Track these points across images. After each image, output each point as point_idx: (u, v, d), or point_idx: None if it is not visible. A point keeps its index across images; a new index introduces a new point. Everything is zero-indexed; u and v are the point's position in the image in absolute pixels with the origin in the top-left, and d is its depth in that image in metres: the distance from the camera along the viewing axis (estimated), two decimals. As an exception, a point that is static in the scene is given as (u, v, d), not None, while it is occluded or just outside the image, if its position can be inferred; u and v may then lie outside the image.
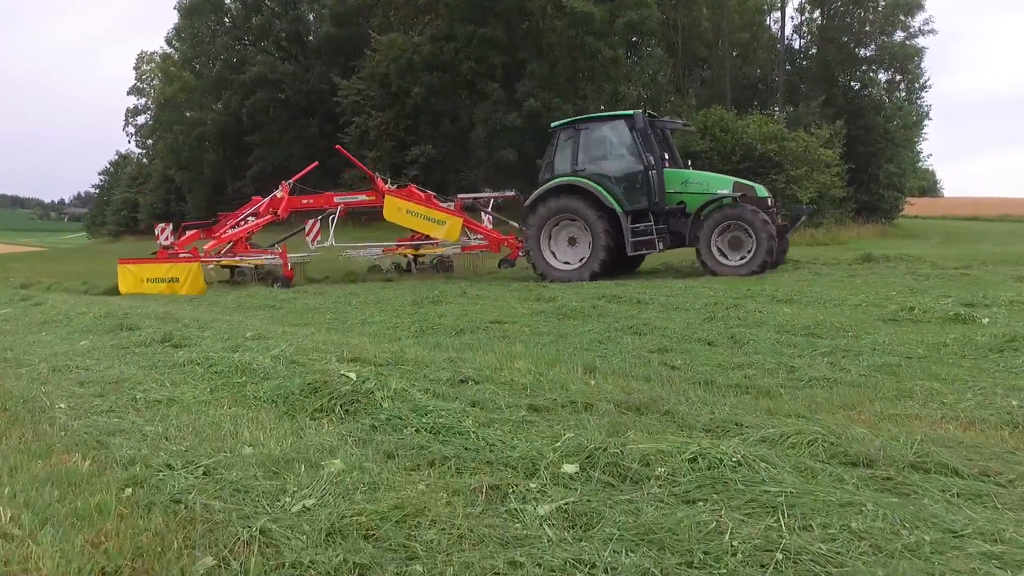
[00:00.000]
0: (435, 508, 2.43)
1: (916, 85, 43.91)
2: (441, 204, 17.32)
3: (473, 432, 3.03)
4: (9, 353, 6.50)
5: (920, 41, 42.08)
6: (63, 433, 3.50)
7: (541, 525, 2.35)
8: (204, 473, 2.85)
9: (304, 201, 18.71)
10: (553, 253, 14.88)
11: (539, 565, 2.10)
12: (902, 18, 42.20)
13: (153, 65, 63.14)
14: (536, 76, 30.15)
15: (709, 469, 2.72)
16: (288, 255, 16.94)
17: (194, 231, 18.24)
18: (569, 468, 2.75)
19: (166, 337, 6.36)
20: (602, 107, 32.10)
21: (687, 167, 15.71)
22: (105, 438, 3.33)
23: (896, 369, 5.20)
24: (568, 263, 14.72)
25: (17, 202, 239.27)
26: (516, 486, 2.61)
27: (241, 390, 3.98)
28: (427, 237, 18.20)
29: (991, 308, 8.12)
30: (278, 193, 18.41)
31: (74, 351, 6.07)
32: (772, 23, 47.84)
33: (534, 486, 2.63)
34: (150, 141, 65.20)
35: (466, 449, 2.91)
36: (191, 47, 52.33)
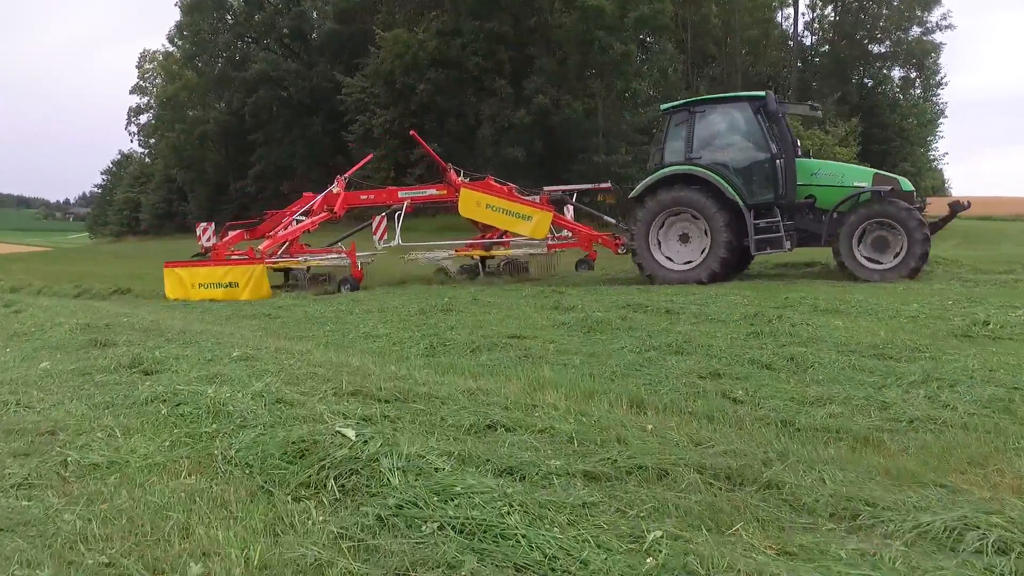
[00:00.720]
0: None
1: (932, 82, 42.93)
2: (524, 197, 15.67)
3: (521, 534, 2.13)
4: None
5: (937, 37, 41.11)
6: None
7: None
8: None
9: (363, 197, 17.02)
10: (662, 251, 13.26)
11: None
12: (918, 13, 41.23)
13: (155, 64, 62.37)
14: (545, 72, 29.24)
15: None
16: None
17: (237, 231, 16.49)
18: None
19: (135, 361, 5.47)
20: (609, 103, 31.19)
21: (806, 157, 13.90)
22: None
23: (1009, 405, 4.30)
24: (680, 263, 13.12)
25: (23, 202, 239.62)
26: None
27: (208, 446, 3.10)
28: (502, 235, 16.42)
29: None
30: (333, 188, 16.60)
31: (25, 378, 5.19)
32: (783, 19, 46.90)
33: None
34: (152, 140, 64.43)
35: (517, 571, 2.00)
36: (193, 44, 51.51)
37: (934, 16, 40.84)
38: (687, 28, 41.84)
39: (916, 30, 41.33)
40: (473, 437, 3.48)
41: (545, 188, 16.41)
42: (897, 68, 43.12)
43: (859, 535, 2.30)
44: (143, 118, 66.42)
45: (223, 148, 54.03)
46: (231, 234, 16.38)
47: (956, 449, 3.51)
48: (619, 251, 15.12)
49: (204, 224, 16.34)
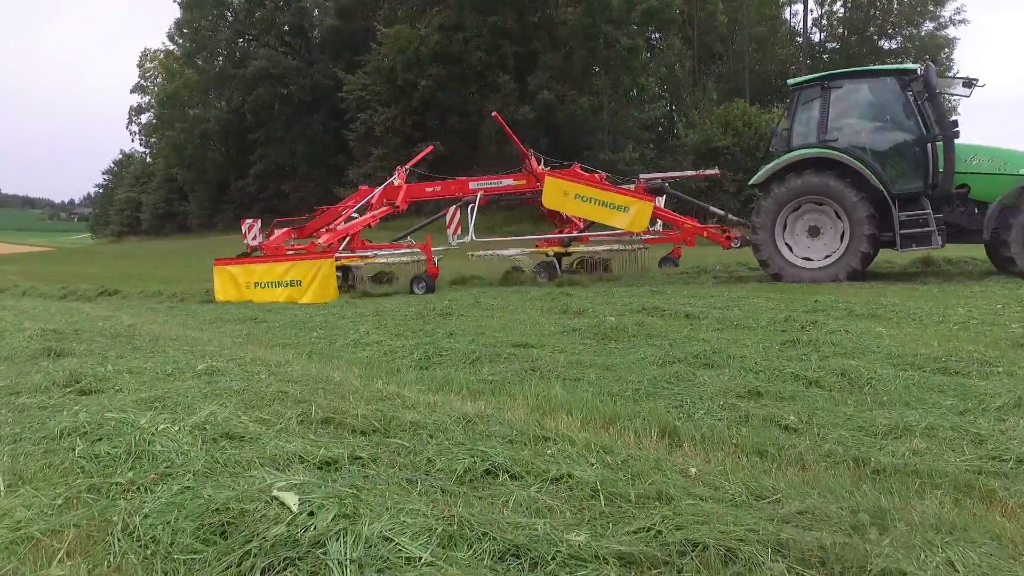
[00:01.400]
0: None
1: (945, 78, 41.95)
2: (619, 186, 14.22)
3: None
4: None
5: (950, 31, 40.23)
6: None
7: None
8: None
9: (428, 189, 15.73)
10: (788, 246, 11.87)
11: None
12: (931, 8, 40.35)
13: (156, 63, 61.70)
14: (550, 67, 28.41)
15: None
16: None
17: (285, 229, 15.12)
18: None
19: (73, 378, 4.67)
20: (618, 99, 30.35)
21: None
22: None
23: None
24: (810, 259, 11.74)
25: (27, 202, 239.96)
26: None
27: (109, 507, 2.30)
28: (584, 228, 15.21)
29: None
30: (395, 180, 15.38)
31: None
32: (790, 16, 46.08)
33: None
34: (153, 140, 63.79)
35: None
36: (192, 42, 50.81)
37: (947, 10, 39.99)
38: (694, 25, 41.03)
39: (929, 25, 40.44)
40: (468, 489, 2.67)
41: (641, 175, 14.91)
42: (909, 64, 42.15)
43: None
44: (144, 117, 65.88)
45: (224, 147, 53.35)
46: (278, 232, 14.96)
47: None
48: (732, 245, 13.76)
49: (250, 221, 14.97)
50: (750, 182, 12.68)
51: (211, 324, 10.17)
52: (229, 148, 52.32)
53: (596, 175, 14.34)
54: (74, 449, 2.96)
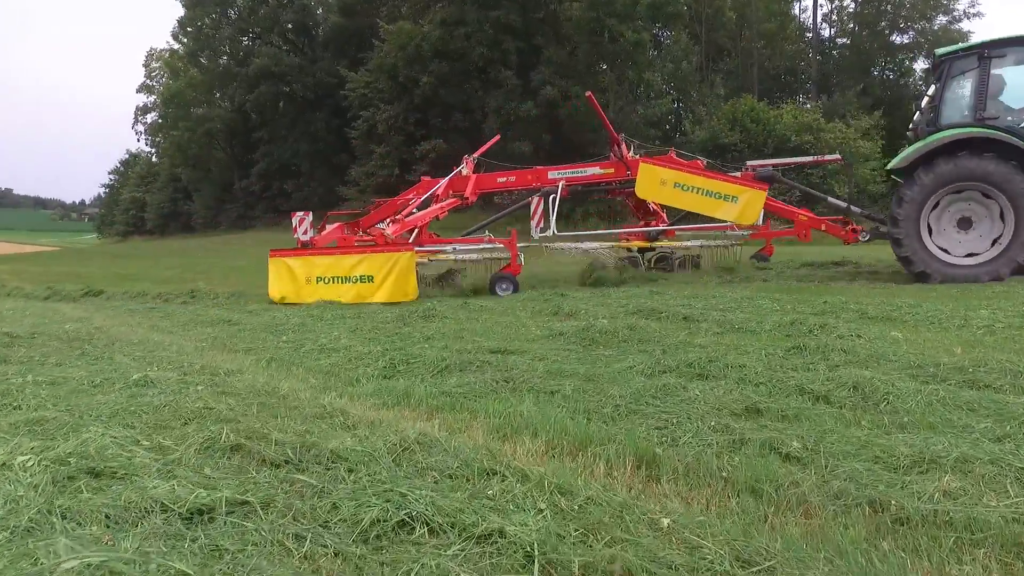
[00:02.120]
0: None
1: (959, 73, 41.02)
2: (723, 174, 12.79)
3: None
4: None
5: (964, 25, 39.37)
6: None
7: None
8: None
9: (501, 179, 14.19)
10: (933, 240, 10.60)
11: None
12: (944, 1, 39.47)
13: (161, 62, 61.38)
14: (553, 62, 27.76)
15: None
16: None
17: (337, 224, 13.79)
18: None
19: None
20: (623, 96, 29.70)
21: None
22: None
23: None
24: (960, 255, 10.51)
25: (40, 203, 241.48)
26: None
27: None
28: (679, 217, 14.05)
29: None
30: (463, 170, 14.06)
31: None
32: (800, 12, 45.31)
33: None
34: (158, 139, 63.50)
35: None
36: (195, 40, 50.40)
37: (962, 3, 39.08)
38: (701, 22, 40.32)
39: (942, 18, 39.54)
40: (368, 550, 2.07)
41: (748, 163, 13.26)
42: (921, 59, 41.34)
43: None
44: (150, 117, 65.60)
45: (228, 146, 52.97)
46: (330, 227, 13.43)
47: None
48: (859, 239, 12.21)
49: (301, 214, 13.42)
50: (888, 166, 11.26)
51: (183, 326, 9.60)
52: (233, 147, 51.88)
53: (697, 161, 13.01)
54: None
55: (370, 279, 11.07)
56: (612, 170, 13.30)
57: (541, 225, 12.69)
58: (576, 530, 2.26)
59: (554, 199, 12.65)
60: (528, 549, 2.04)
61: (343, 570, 1.87)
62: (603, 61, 29.37)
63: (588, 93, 13.39)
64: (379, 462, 2.93)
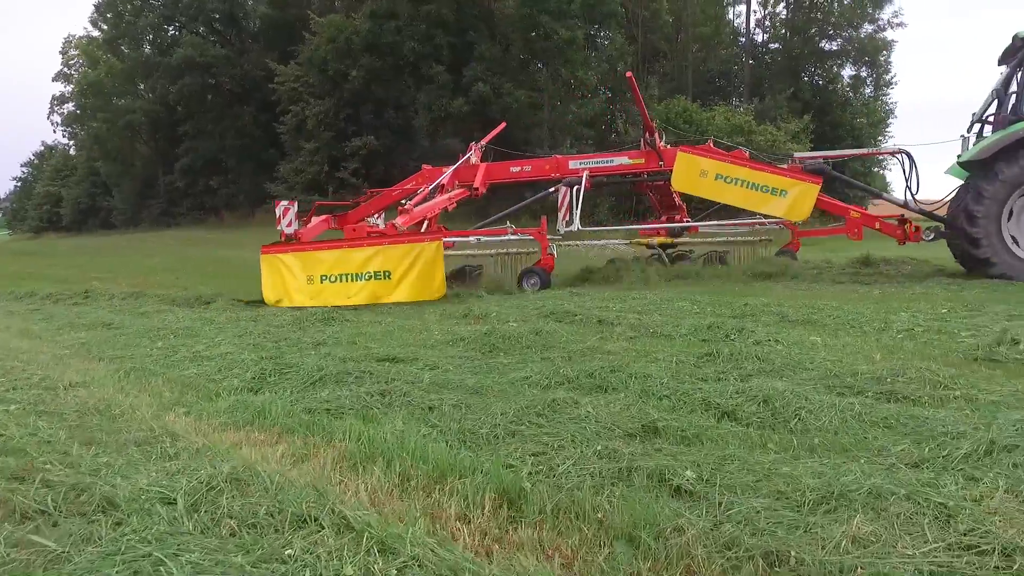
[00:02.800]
0: None
1: (883, 80, 42.22)
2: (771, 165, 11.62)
3: None
4: None
5: (888, 34, 40.44)
6: None
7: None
8: None
9: (514, 169, 13.00)
10: (1015, 239, 9.75)
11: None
12: (870, 10, 40.45)
13: (80, 50, 58.40)
14: (486, 59, 27.19)
15: None
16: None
17: (323, 217, 12.48)
18: None
19: None
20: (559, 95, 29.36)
21: None
22: None
23: None
24: None
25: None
26: None
27: None
28: (687, 217, 13.13)
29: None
30: (471, 158, 12.94)
31: None
32: (734, 17, 45.89)
33: None
34: (76, 130, 60.36)
35: None
36: (115, 27, 48.00)
37: (886, 13, 40.08)
38: (638, 24, 40.40)
39: (868, 27, 40.47)
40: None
41: (795, 155, 12.09)
42: (849, 66, 42.32)
43: None
44: (67, 107, 62.34)
45: (152, 140, 50.71)
46: (316, 219, 12.13)
47: None
48: (923, 238, 11.12)
49: (285, 203, 12.07)
50: (962, 159, 10.35)
51: (57, 330, 8.71)
52: (157, 141, 49.63)
53: (739, 151, 11.91)
54: None
55: (387, 275, 9.66)
56: (643, 160, 12.36)
57: (567, 218, 11.75)
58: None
59: (578, 191, 11.56)
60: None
61: None
62: (537, 59, 28.94)
63: (628, 73, 12.34)
64: (163, 511, 2.30)
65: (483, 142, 13.52)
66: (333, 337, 6.94)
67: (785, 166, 11.56)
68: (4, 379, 5.09)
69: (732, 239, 12.99)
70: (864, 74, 42.18)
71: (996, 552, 2.14)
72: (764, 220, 12.49)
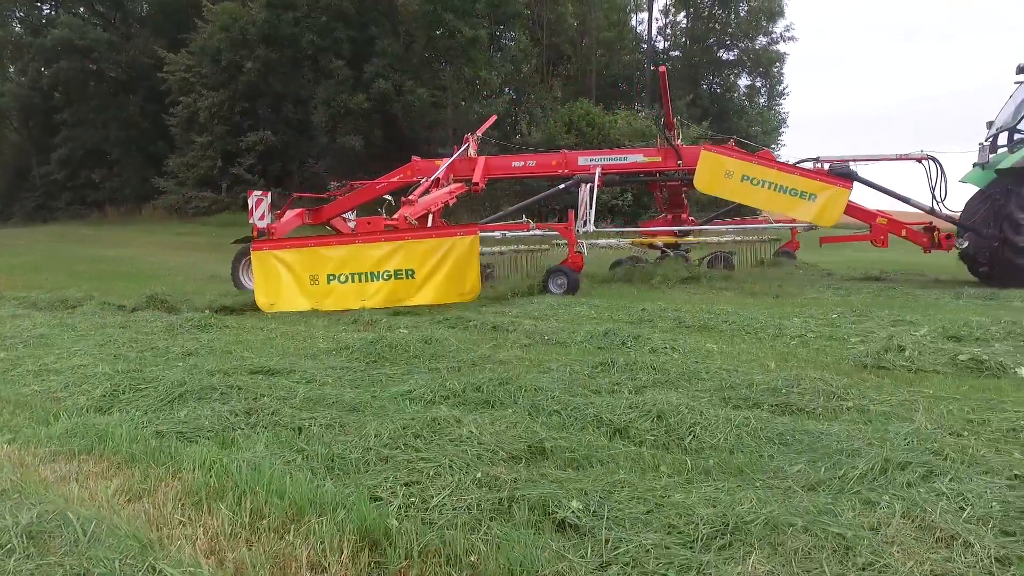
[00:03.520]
0: None
1: (776, 91, 44.05)
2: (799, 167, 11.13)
3: None
4: None
5: (781, 47, 42.22)
6: None
7: None
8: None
9: (517, 164, 12.39)
10: None
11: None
12: (764, 23, 42.11)
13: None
14: (388, 55, 26.55)
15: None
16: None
17: (298, 211, 11.52)
18: None
19: None
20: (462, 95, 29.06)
21: None
22: None
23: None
24: None
25: None
26: None
27: None
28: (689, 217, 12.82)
29: (992, 344, 5.64)
30: (469, 151, 12.13)
31: None
32: (637, 24, 46.88)
33: None
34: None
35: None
36: (-21, 2, 44.36)
37: (778, 27, 41.83)
38: (543, 26, 40.61)
39: (763, 39, 42.13)
40: None
41: (820, 157, 11.65)
42: (745, 76, 43.94)
43: None
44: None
45: (25, 127, 47.19)
46: (290, 213, 11.25)
47: None
48: (955, 247, 10.89)
49: (259, 193, 10.92)
50: (1002, 165, 10.38)
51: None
52: (31, 128, 46.23)
53: (765, 151, 11.37)
54: None
55: (410, 274, 8.65)
56: (660, 158, 11.83)
57: (584, 219, 11.03)
58: None
59: (592, 189, 10.93)
60: None
61: None
62: (440, 57, 28.53)
63: (661, 68, 11.74)
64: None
65: (479, 132, 12.89)
66: (207, 346, 6.38)
67: (809, 167, 11.25)
68: None
69: (738, 239, 12.61)
70: (759, 84, 43.93)
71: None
72: (766, 221, 12.41)
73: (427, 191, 10.79)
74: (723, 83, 44.04)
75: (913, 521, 2.41)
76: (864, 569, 2.10)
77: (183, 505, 2.73)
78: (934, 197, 11.01)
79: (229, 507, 2.66)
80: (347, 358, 5.58)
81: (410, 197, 10.15)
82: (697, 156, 11.15)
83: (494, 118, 15.05)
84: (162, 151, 38.52)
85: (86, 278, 14.27)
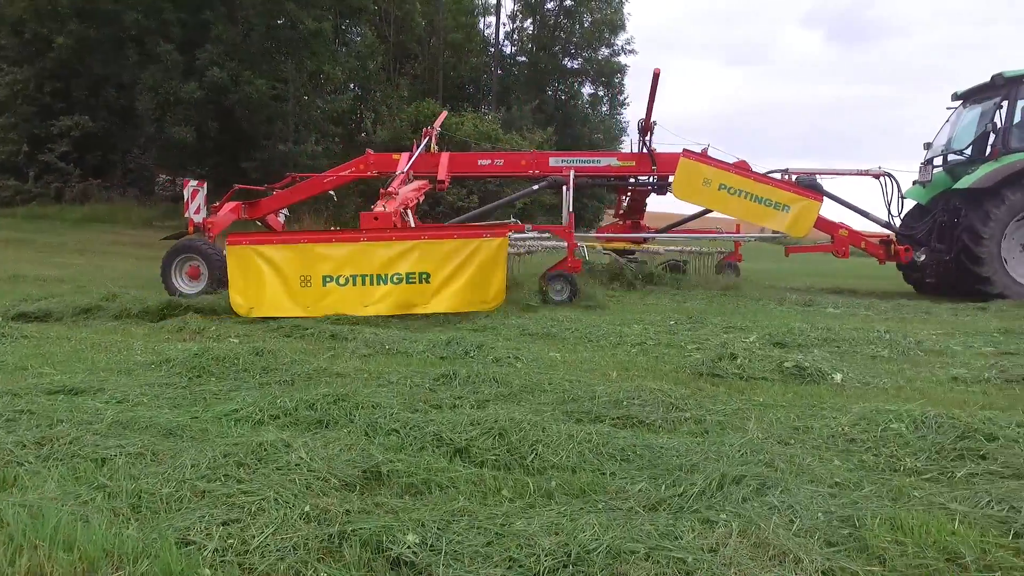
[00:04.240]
0: None
1: (617, 101, 45.90)
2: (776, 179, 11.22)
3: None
4: None
5: (622, 59, 44.05)
6: None
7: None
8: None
9: (483, 162, 11.91)
10: (1006, 261, 10.87)
11: None
12: (607, 35, 43.77)
13: None
14: (223, 42, 25.04)
15: None
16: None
17: (236, 204, 10.50)
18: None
19: None
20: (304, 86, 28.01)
21: None
22: None
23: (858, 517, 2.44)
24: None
25: None
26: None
27: None
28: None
29: (811, 351, 6.02)
30: (433, 146, 11.43)
31: None
32: (485, 27, 47.33)
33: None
34: None
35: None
36: None
37: (620, 40, 43.65)
38: (390, 23, 40.02)
39: (605, 51, 43.79)
40: None
41: (789, 168, 11.64)
42: (588, 84, 45.47)
43: None
44: None
45: None
46: (228, 205, 10.28)
47: None
48: (916, 259, 11.31)
49: (194, 184, 9.88)
50: (965, 184, 11.05)
51: None
52: None
53: (742, 162, 11.32)
54: None
55: (425, 278, 7.81)
56: (633, 163, 11.63)
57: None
58: None
59: (567, 192, 10.45)
60: None
61: None
62: (281, 48, 27.30)
63: (656, 69, 11.39)
64: None
65: (436, 124, 12.27)
66: (9, 361, 5.59)
67: (777, 176, 11.45)
68: None
69: (689, 249, 12.86)
70: (601, 93, 45.62)
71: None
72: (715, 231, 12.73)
73: (405, 183, 10.21)
74: (568, 90, 45.35)
75: (749, 539, 2.43)
76: (704, 596, 2.07)
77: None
78: (889, 212, 11.83)
79: (7, 560, 2.25)
80: (167, 372, 5.07)
81: (389, 189, 9.48)
82: (672, 163, 11.22)
83: (444, 114, 14.70)
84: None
85: None
